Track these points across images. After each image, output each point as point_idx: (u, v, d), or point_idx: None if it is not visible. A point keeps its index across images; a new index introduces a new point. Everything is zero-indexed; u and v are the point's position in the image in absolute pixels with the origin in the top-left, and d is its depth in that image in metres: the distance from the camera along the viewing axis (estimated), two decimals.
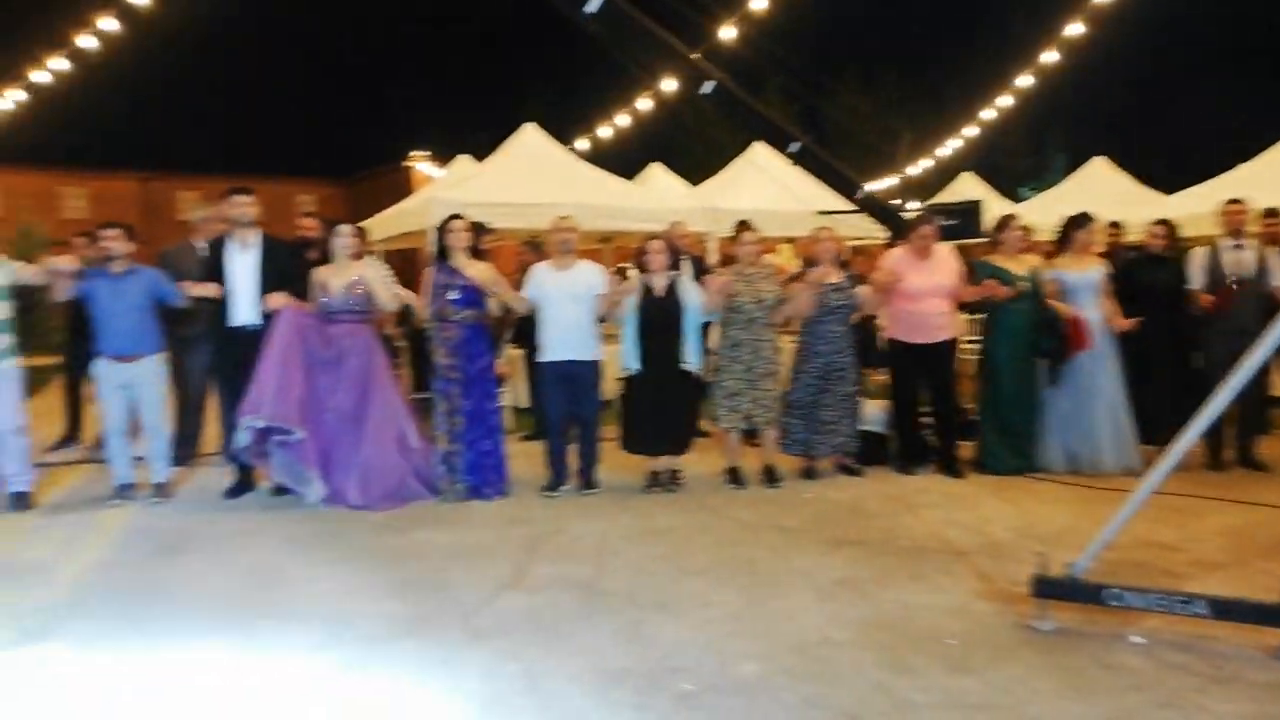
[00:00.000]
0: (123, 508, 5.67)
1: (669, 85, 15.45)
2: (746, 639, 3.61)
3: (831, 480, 6.30)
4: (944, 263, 6.39)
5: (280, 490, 5.85)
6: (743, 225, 7.46)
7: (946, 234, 6.61)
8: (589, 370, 5.95)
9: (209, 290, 5.79)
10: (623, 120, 18.44)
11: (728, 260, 7.71)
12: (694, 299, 5.95)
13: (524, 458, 6.38)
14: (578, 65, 26.76)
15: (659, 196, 11.00)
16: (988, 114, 17.11)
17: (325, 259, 6.01)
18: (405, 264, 12.34)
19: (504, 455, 6.00)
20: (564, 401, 5.95)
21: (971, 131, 17.86)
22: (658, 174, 13.57)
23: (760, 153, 10.80)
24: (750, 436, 6.36)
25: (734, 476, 6.15)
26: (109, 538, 5.05)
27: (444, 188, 10.67)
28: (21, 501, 5.61)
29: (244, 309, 5.81)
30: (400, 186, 25.43)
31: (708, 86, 6.99)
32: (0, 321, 5.53)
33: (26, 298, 6.10)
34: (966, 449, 6.57)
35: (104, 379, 5.76)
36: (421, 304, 5.91)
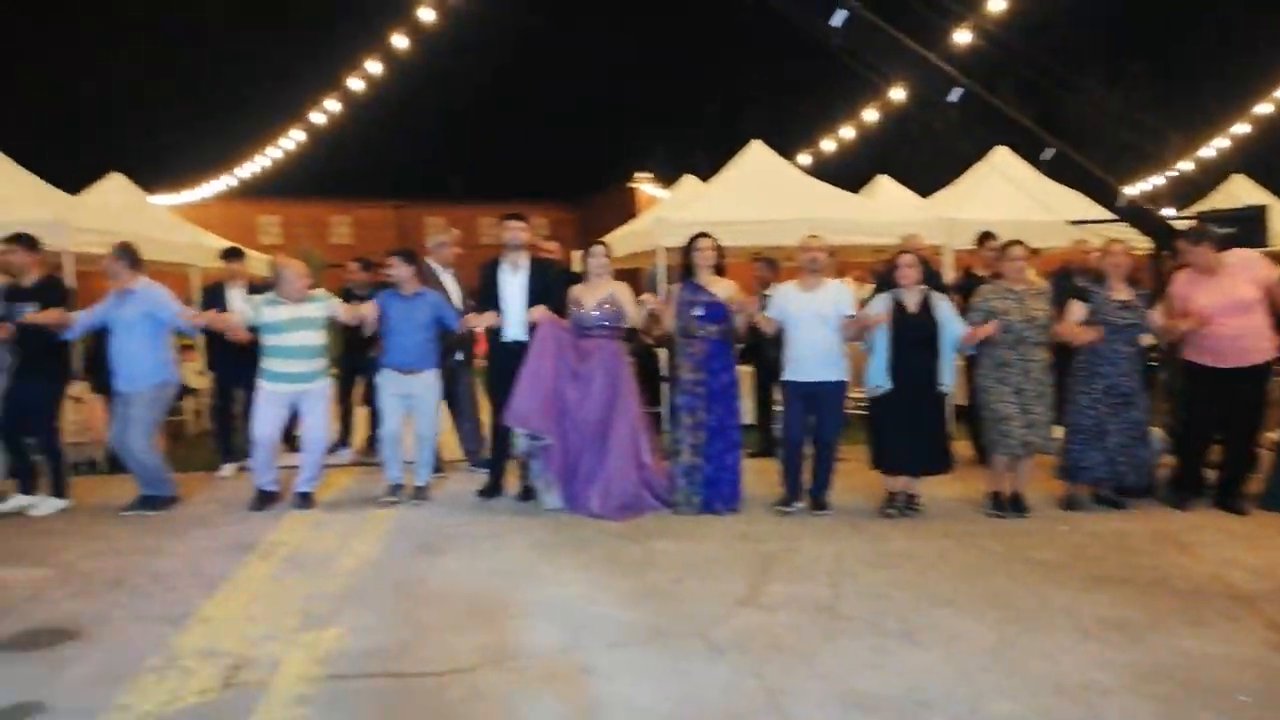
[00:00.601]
0: (390, 508, 6.20)
1: (898, 95, 15.08)
2: (1000, 675, 3.40)
3: (1089, 512, 5.82)
4: (1242, 272, 5.69)
5: (526, 494, 6.22)
6: (986, 236, 7.07)
7: (1225, 244, 5.91)
8: (835, 391, 5.85)
9: (488, 320, 6.26)
10: (846, 133, 18.13)
11: (970, 275, 7.34)
12: (949, 315, 5.69)
13: (750, 474, 6.36)
14: (794, 82, 26.54)
15: (889, 209, 10.66)
16: (1263, 109, 15.33)
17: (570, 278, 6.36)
18: (629, 283, 12.72)
19: (740, 471, 6.02)
20: (806, 420, 5.89)
21: (1241, 129, 16.05)
22: (886, 185, 13.15)
23: (1002, 159, 10.21)
24: (983, 457, 6.00)
25: (996, 502, 5.81)
26: (379, 535, 5.53)
27: (672, 208, 10.89)
28: (305, 501, 6.25)
29: (514, 326, 6.24)
30: (626, 207, 26.28)
31: (955, 93, 6.69)
32: (316, 348, 6.21)
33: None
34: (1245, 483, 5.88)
35: (385, 388, 6.35)
36: (667, 318, 6.07)
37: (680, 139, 31.51)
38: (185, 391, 9.02)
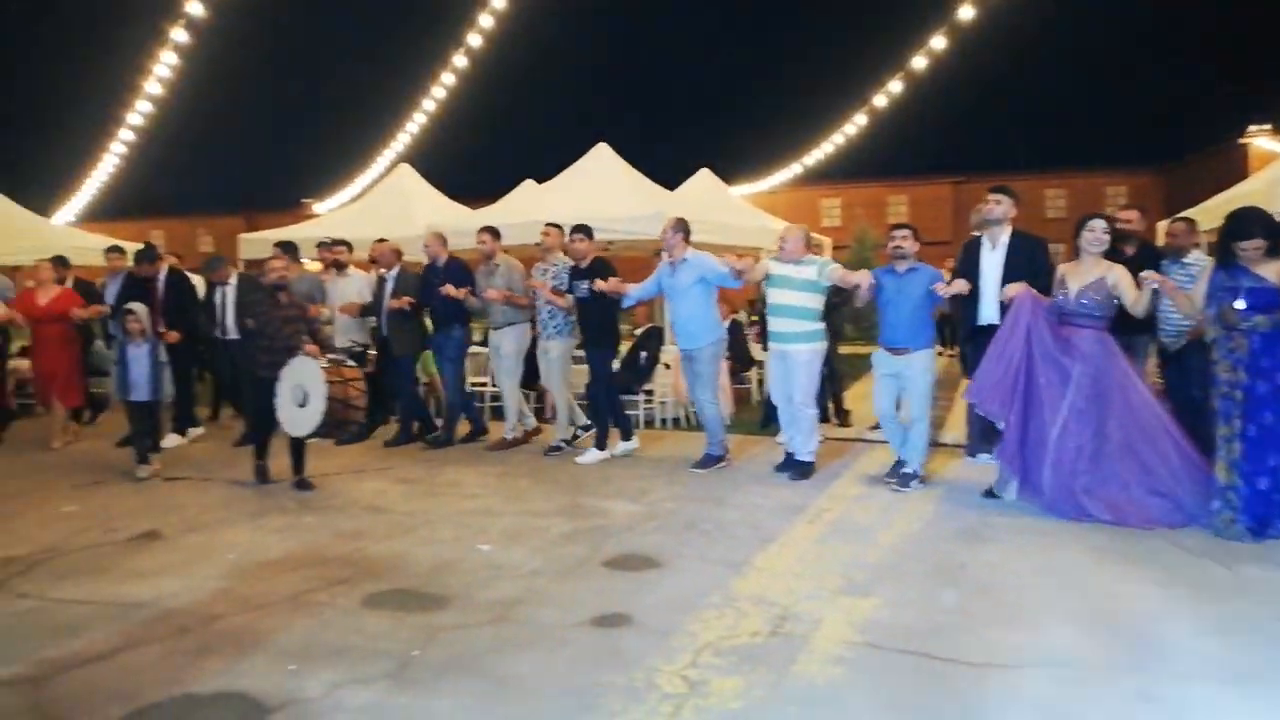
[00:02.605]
0: (923, 490, 6.15)
1: None
2: None
3: None
4: None
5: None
6: None
7: None
8: None
9: (959, 287, 5.94)
10: None
11: None
12: None
13: None
14: None
15: None
16: None
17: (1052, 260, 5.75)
18: None
19: None
20: None
21: None
22: None
23: None
24: None
25: None
26: (920, 515, 5.53)
27: None
28: (803, 471, 6.46)
29: (987, 308, 5.91)
30: (1234, 168, 22.22)
31: None
32: (810, 310, 6.41)
33: (839, 294, 7.01)
34: None
35: (878, 367, 6.30)
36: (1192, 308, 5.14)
37: None
38: (751, 363, 9.97)
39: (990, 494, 5.82)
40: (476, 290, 7.77)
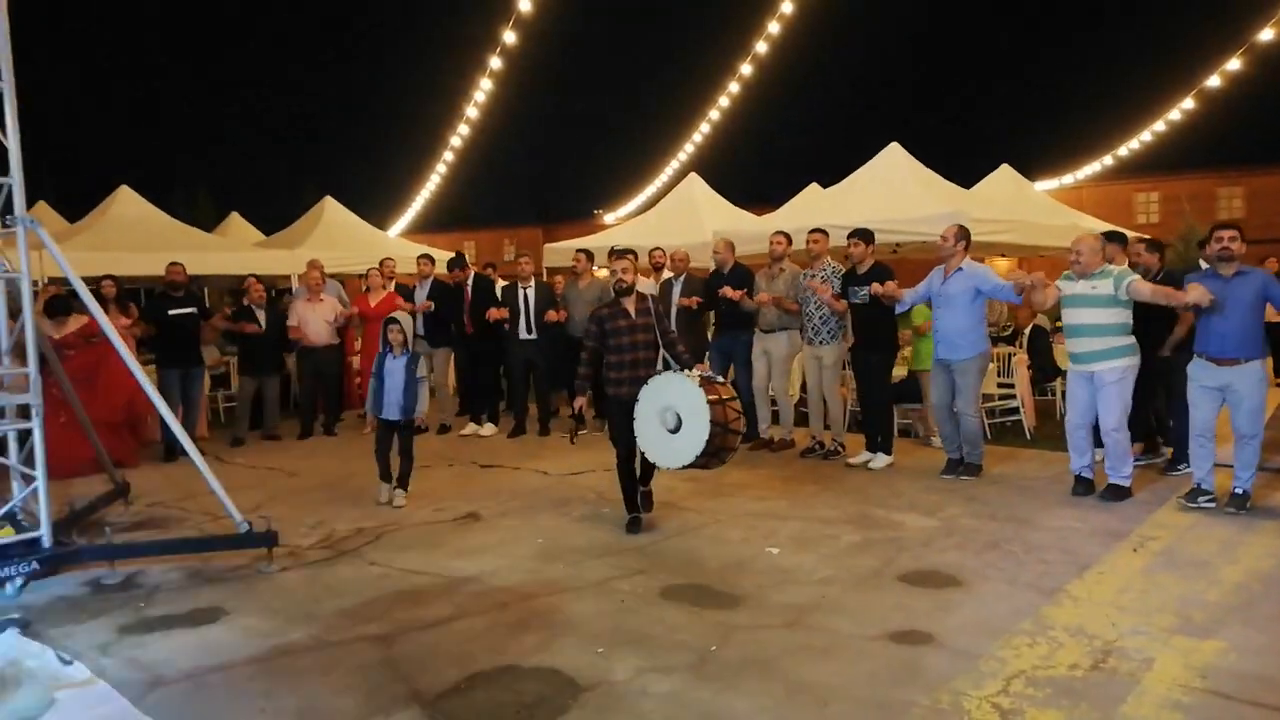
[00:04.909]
0: (1198, 512, 5.46)
1: None
2: None
3: None
4: None
5: None
6: None
7: None
8: None
9: None
10: None
11: None
12: None
13: None
14: None
15: None
16: None
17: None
18: None
19: None
20: None
21: None
22: None
23: None
24: None
25: None
26: (1270, 551, 4.82)
27: None
28: (1113, 493, 5.92)
29: None
30: None
31: None
32: (1114, 326, 5.86)
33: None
34: None
35: (1197, 379, 5.64)
36: None
37: None
38: (1057, 373, 9.22)
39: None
40: (753, 294, 7.86)
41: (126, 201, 11.90)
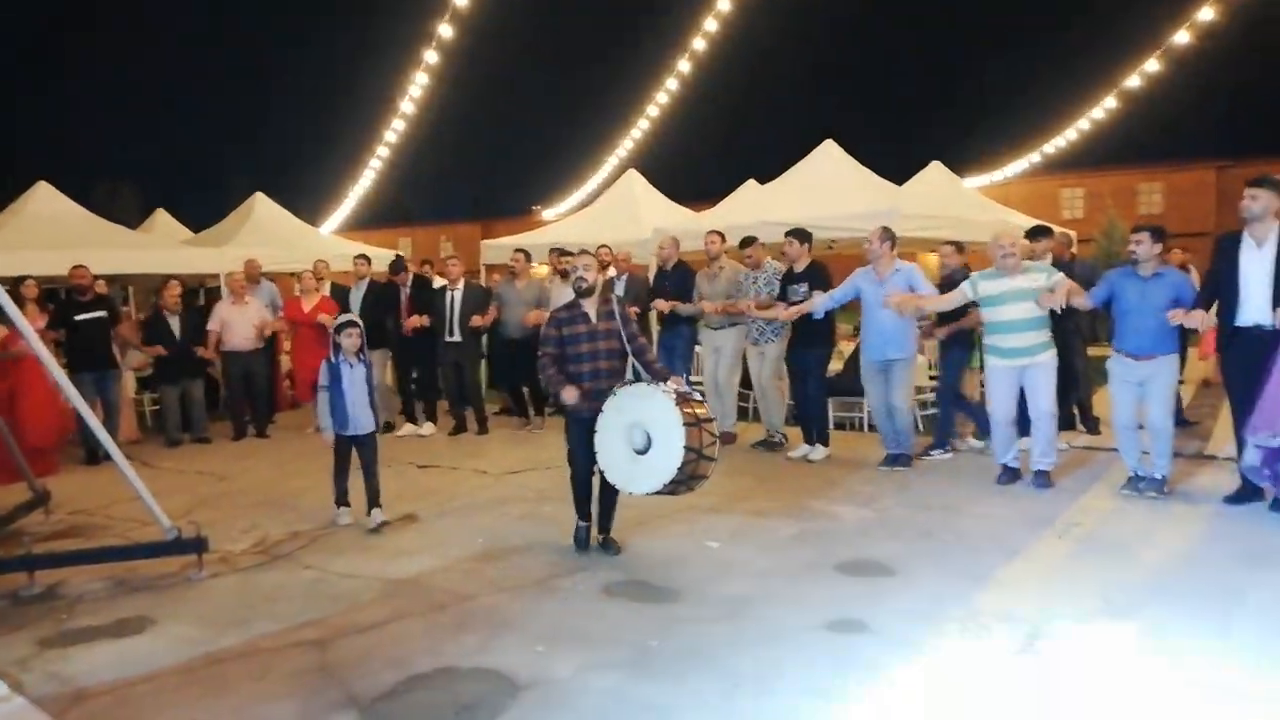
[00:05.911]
0: (1137, 498, 5.69)
1: None
2: None
3: None
4: None
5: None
6: None
7: None
8: None
9: (1196, 321, 5.42)
10: None
11: None
12: None
13: None
14: None
15: None
16: None
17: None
18: None
19: None
20: None
21: None
22: None
23: None
24: None
25: None
26: (1187, 534, 5.03)
27: None
28: (1042, 480, 6.13)
29: (1252, 309, 5.28)
30: None
31: None
32: (1035, 320, 6.05)
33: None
34: None
35: (1116, 374, 5.90)
36: None
37: None
38: None
39: (1277, 506, 5.32)
40: (695, 295, 7.92)
41: (44, 198, 11.43)
